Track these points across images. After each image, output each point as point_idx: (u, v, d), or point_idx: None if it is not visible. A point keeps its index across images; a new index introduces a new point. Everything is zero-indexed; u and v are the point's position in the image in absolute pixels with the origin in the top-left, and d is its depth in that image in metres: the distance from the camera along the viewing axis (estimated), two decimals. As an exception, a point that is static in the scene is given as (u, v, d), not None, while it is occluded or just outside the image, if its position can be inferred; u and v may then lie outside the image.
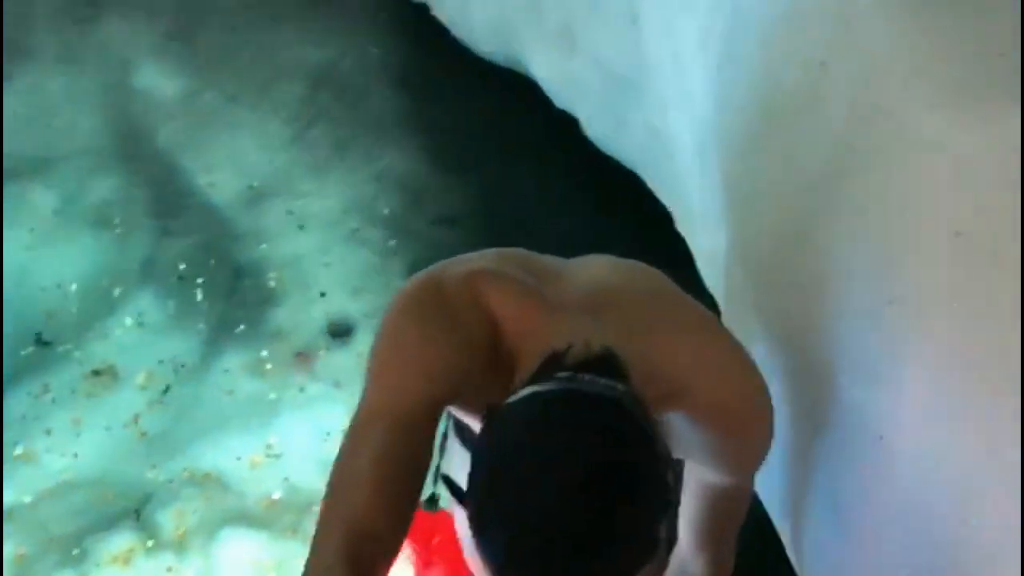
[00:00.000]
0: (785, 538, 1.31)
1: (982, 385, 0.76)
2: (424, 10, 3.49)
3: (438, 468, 1.76)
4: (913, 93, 0.84)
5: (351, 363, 2.84)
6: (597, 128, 2.79)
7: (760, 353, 1.25)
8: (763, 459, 1.08)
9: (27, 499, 2.61)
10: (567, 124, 2.88)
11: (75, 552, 2.53)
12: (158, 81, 3.54)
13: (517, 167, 3.24)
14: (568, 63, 2.74)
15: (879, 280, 0.90)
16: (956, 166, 0.79)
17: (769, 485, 1.25)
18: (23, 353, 2.88)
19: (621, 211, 2.99)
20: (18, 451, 2.69)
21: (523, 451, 0.87)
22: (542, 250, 1.27)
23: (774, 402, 1.16)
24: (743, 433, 1.07)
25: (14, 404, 2.77)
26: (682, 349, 1.05)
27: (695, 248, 2.30)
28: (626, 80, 2.48)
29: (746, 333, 1.28)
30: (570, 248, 1.35)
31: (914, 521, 0.86)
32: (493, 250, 1.20)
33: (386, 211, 3.17)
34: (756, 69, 1.34)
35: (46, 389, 2.80)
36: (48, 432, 2.72)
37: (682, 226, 2.43)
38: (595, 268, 1.21)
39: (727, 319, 1.46)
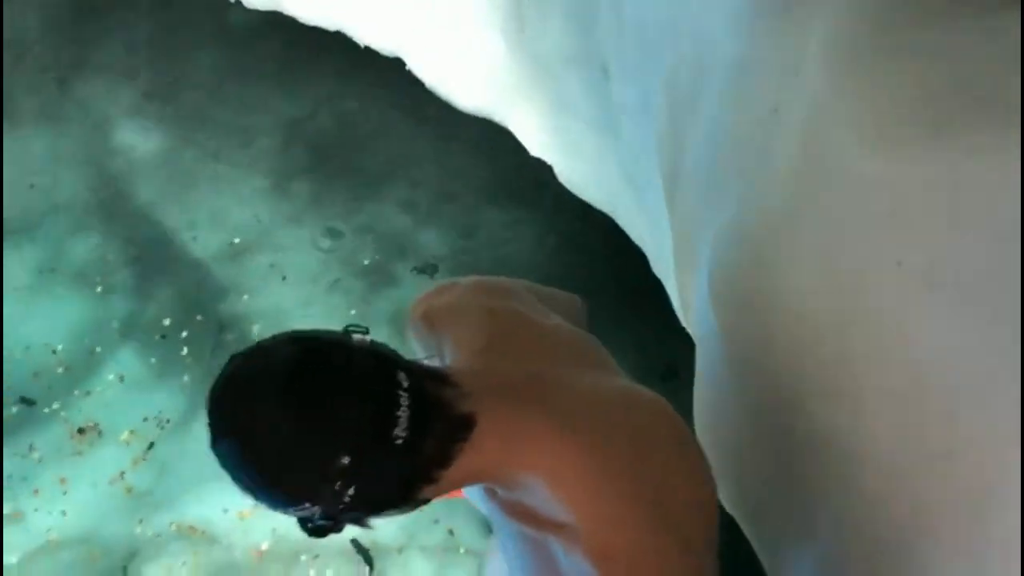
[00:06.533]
0: (754, 541, 1.34)
1: (933, 397, 0.82)
2: (399, 64, 3.57)
3: None
4: (856, 135, 0.90)
5: (336, 413, 2.86)
6: (572, 174, 2.86)
7: (732, 388, 1.30)
8: None
9: (14, 559, 2.62)
10: (542, 170, 2.95)
11: (63, 612, 2.54)
12: (138, 139, 3.59)
13: (494, 213, 3.30)
14: (545, 113, 2.81)
15: (834, 309, 0.96)
16: (895, 201, 0.85)
17: (744, 507, 1.30)
18: (8, 413, 2.90)
19: (598, 254, 3.05)
20: (5, 510, 2.69)
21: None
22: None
23: (744, 425, 1.20)
24: None
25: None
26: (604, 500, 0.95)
27: (670, 289, 2.35)
28: (600, 127, 2.54)
29: (718, 362, 1.33)
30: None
31: (878, 530, 0.91)
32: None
33: (366, 261, 3.22)
34: (716, 115, 1.40)
35: (32, 448, 2.82)
36: (36, 492, 2.73)
37: (657, 267, 2.48)
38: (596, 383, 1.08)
39: (700, 351, 1.51)
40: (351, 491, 0.90)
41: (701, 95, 1.57)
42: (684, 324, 2.21)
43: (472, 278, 1.27)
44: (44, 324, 3.10)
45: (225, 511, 2.68)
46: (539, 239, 3.21)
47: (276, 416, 0.89)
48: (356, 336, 0.97)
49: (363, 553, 2.62)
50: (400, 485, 0.94)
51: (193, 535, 2.65)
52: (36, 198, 3.43)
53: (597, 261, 3.06)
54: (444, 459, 0.94)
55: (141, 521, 2.69)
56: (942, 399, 0.81)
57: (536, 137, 2.94)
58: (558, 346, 1.13)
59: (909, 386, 0.85)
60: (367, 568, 2.61)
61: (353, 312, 3.09)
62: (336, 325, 3.02)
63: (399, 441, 0.90)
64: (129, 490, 2.76)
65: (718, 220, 1.30)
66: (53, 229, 3.34)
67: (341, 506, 0.91)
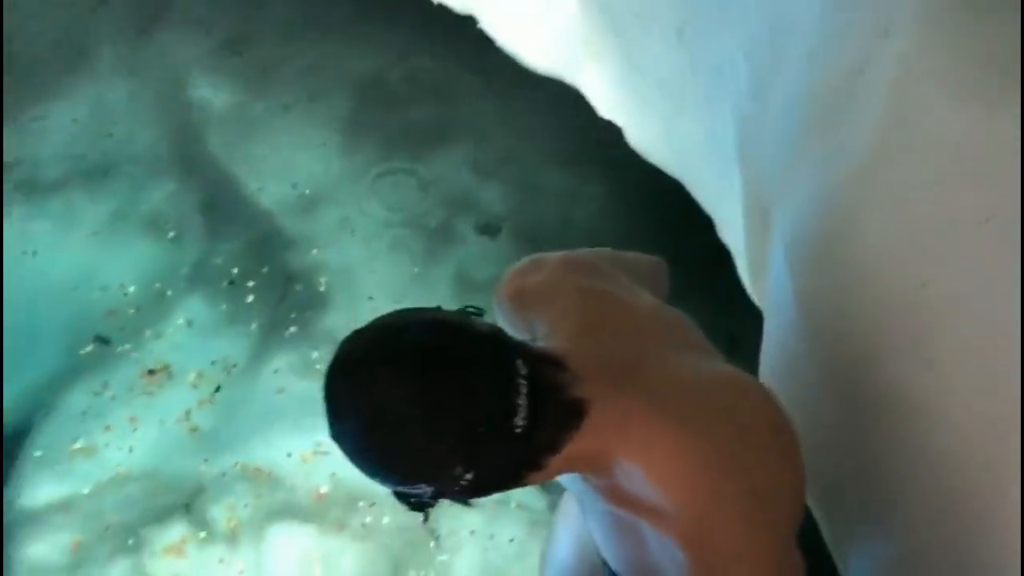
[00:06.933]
0: (822, 522, 1.34)
1: (1012, 360, 0.81)
2: (471, 22, 3.57)
3: None
4: (946, 92, 0.90)
5: (396, 366, 2.90)
6: (643, 136, 2.84)
7: (804, 354, 1.30)
8: None
9: (85, 490, 2.72)
10: (610, 131, 2.93)
11: (130, 542, 2.64)
12: (212, 92, 3.64)
13: (559, 175, 3.30)
14: (617, 73, 2.79)
15: (916, 266, 0.95)
16: (986, 157, 0.84)
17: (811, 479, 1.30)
18: (83, 352, 3.00)
19: (663, 221, 3.04)
20: (78, 445, 2.80)
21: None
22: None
23: (815, 389, 1.20)
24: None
25: (75, 400, 2.89)
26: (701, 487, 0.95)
27: (736, 257, 2.34)
28: (673, 89, 2.51)
29: (791, 328, 1.33)
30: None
31: (946, 484, 0.91)
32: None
33: (430, 219, 3.25)
34: (798, 77, 1.39)
35: (106, 386, 2.92)
36: (107, 428, 2.83)
37: (724, 233, 2.46)
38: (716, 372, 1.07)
39: (769, 321, 1.51)
40: (469, 476, 0.91)
41: (782, 59, 1.56)
42: (751, 293, 2.20)
43: (560, 254, 1.25)
44: (118, 267, 3.18)
45: (288, 455, 2.75)
46: (604, 202, 3.21)
47: (402, 401, 0.89)
48: (476, 320, 0.97)
49: (419, 503, 2.67)
50: (514, 471, 0.95)
51: (258, 476, 2.73)
52: (113, 146, 3.51)
53: (661, 228, 3.04)
54: (555, 445, 0.95)
55: (206, 460, 2.78)
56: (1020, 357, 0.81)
57: (606, 98, 2.92)
58: (651, 328, 1.11)
59: (988, 343, 0.85)
60: (421, 517, 2.66)
61: (416, 270, 3.13)
62: (399, 281, 3.02)
63: (518, 429, 0.90)
64: (194, 430, 2.84)
65: (797, 185, 1.30)
66: (128, 176, 3.42)
67: (457, 488, 0.93)
